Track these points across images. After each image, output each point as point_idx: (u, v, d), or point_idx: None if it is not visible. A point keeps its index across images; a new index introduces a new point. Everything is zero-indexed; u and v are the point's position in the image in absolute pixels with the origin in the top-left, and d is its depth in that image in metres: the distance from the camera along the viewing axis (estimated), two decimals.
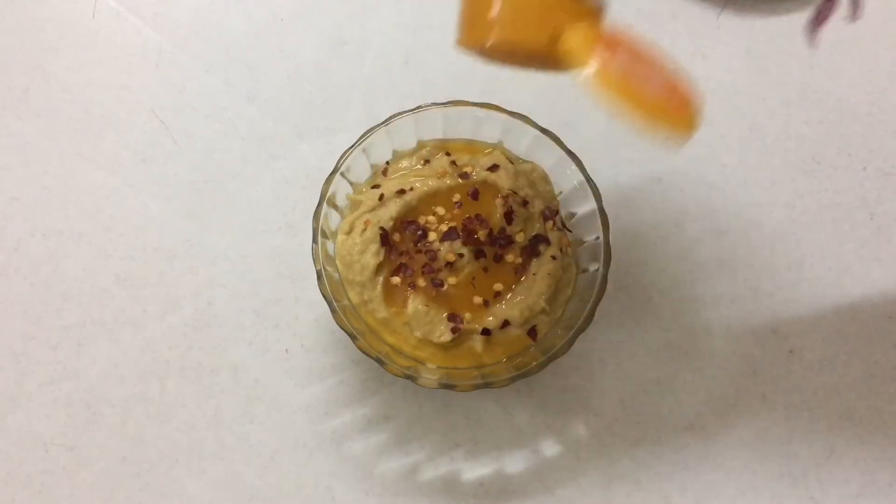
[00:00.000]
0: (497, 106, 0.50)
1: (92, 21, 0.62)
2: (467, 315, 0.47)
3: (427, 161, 0.51)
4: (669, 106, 0.37)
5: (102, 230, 0.56)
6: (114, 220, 0.56)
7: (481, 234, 0.48)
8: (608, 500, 0.50)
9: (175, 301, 0.54)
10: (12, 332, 0.53)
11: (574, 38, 0.37)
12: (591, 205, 0.49)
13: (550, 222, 0.49)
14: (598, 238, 0.48)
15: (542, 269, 0.48)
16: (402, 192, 0.49)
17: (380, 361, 0.45)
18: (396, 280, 0.47)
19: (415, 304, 0.47)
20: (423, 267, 0.47)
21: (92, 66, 0.60)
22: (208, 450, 0.50)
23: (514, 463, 0.51)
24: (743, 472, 0.51)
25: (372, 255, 0.47)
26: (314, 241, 0.47)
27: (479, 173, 0.50)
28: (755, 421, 0.52)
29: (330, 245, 0.49)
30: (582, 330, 0.46)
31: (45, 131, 0.58)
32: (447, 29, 0.63)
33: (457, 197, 0.49)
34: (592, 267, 0.48)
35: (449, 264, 0.47)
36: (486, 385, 0.45)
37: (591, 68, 0.36)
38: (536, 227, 0.49)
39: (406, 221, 0.48)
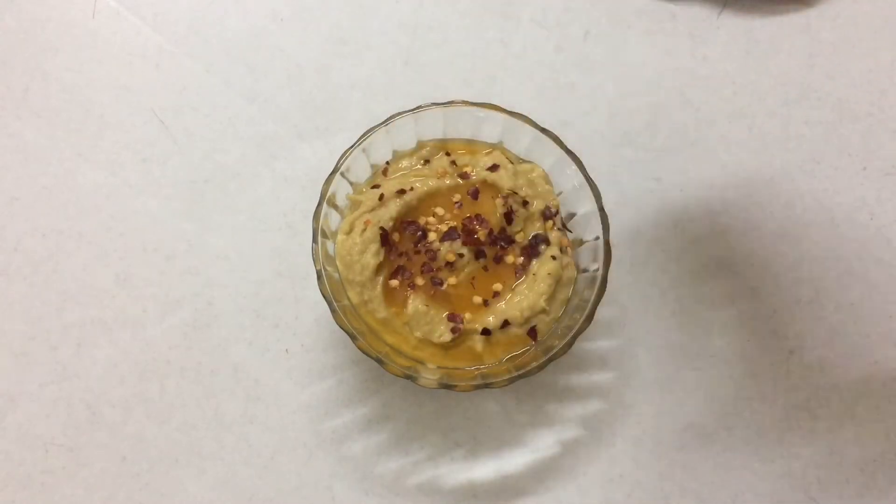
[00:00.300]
0: (497, 106, 0.50)
1: (92, 21, 0.62)
2: (467, 315, 0.47)
3: (427, 161, 0.51)
4: None
5: (102, 230, 0.56)
6: (114, 220, 0.56)
7: (481, 234, 0.48)
8: (608, 500, 0.50)
9: (175, 301, 0.54)
10: (12, 332, 0.53)
11: None
12: (591, 205, 0.49)
13: (550, 222, 0.49)
14: (598, 238, 0.48)
15: (542, 269, 0.48)
16: (402, 192, 0.49)
17: (380, 361, 0.45)
18: (395, 283, 0.47)
19: (415, 304, 0.47)
20: (423, 266, 0.47)
21: (92, 66, 0.60)
22: (208, 450, 0.50)
23: (514, 463, 0.51)
24: (743, 472, 0.51)
25: (372, 255, 0.47)
26: (314, 241, 0.47)
27: (479, 173, 0.50)
28: (755, 421, 0.52)
29: (330, 245, 0.49)
30: (582, 330, 0.46)
31: (45, 131, 0.58)
32: (447, 29, 0.63)
33: (457, 197, 0.49)
34: (592, 267, 0.48)
35: (449, 264, 0.47)
36: (486, 385, 0.45)
37: None
38: (536, 227, 0.49)
39: (406, 221, 0.48)
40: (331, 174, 0.48)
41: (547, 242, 0.48)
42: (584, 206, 0.50)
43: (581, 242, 0.50)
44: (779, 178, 0.58)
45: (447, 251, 0.47)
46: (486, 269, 0.48)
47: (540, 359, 0.45)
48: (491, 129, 0.51)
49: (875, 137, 0.59)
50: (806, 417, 0.52)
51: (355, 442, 0.51)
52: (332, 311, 0.46)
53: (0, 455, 0.50)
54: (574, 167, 0.49)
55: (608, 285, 0.47)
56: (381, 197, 0.49)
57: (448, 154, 0.51)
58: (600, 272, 0.47)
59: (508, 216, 0.48)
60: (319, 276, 0.46)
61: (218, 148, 0.58)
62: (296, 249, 0.55)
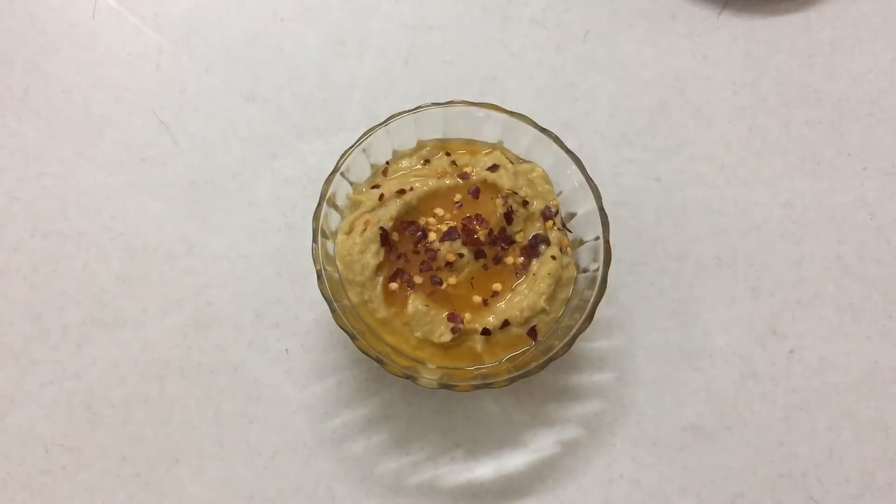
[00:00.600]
0: (497, 106, 0.50)
1: (92, 21, 0.62)
2: (467, 315, 0.47)
3: (427, 161, 0.51)
4: None
5: (102, 230, 0.56)
6: (114, 220, 0.56)
7: (481, 234, 0.48)
8: (608, 500, 0.50)
9: (175, 301, 0.54)
10: (12, 332, 0.53)
11: None
12: (591, 205, 0.49)
13: (550, 222, 0.49)
14: (598, 238, 0.48)
15: (542, 269, 0.48)
16: (402, 192, 0.49)
17: (380, 361, 0.45)
18: (395, 286, 0.47)
19: (415, 304, 0.47)
20: (422, 265, 0.47)
21: (92, 66, 0.60)
22: (208, 450, 0.50)
23: (514, 463, 0.51)
24: (743, 472, 0.51)
25: (372, 255, 0.47)
26: (314, 241, 0.47)
27: (479, 173, 0.50)
28: (755, 421, 0.52)
29: (330, 245, 0.49)
30: (582, 330, 0.46)
31: (45, 131, 0.58)
32: (447, 29, 0.63)
33: (457, 197, 0.49)
34: (592, 267, 0.48)
35: (449, 264, 0.47)
36: (486, 385, 0.45)
37: None
38: (536, 227, 0.49)
39: (406, 221, 0.48)
40: (331, 174, 0.48)
41: (547, 242, 0.48)
42: (584, 206, 0.50)
43: (581, 242, 0.50)
44: (779, 178, 0.58)
45: (447, 251, 0.47)
46: (486, 268, 0.48)
47: (540, 359, 0.45)
48: (491, 129, 0.51)
49: (875, 137, 0.59)
50: (806, 417, 0.52)
51: (355, 442, 0.51)
52: (332, 311, 0.46)
53: (0, 455, 0.50)
54: (574, 167, 0.49)
55: (608, 285, 0.47)
56: (381, 197, 0.49)
57: (448, 154, 0.51)
58: (600, 272, 0.47)
59: (508, 216, 0.48)
60: (319, 276, 0.46)
61: (218, 148, 0.58)
62: (296, 249, 0.55)
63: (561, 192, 0.51)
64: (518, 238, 0.48)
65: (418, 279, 0.47)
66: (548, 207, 0.49)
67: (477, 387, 0.45)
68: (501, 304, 0.48)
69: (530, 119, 0.50)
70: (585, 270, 0.49)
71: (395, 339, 0.47)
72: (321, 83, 0.60)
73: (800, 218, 0.57)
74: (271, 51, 0.61)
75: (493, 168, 0.50)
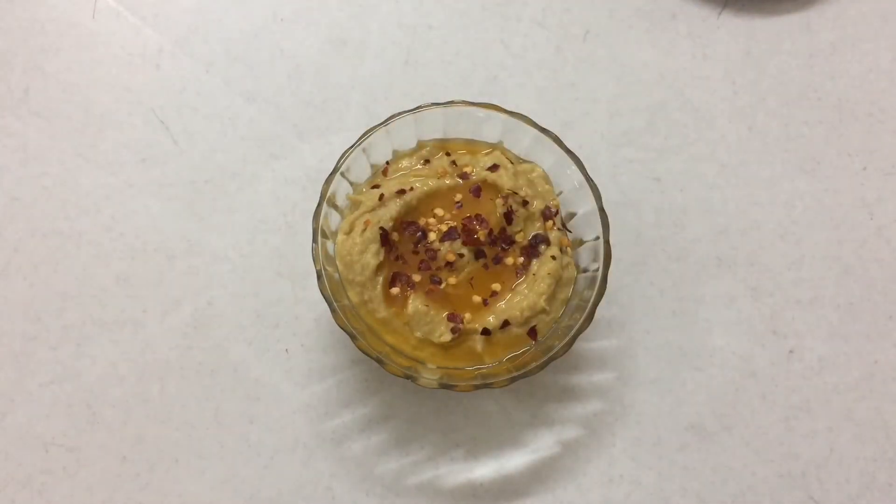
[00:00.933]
0: (497, 106, 0.50)
1: (92, 21, 0.62)
2: (467, 315, 0.47)
3: (427, 161, 0.51)
4: None
5: (102, 230, 0.56)
6: (114, 220, 0.56)
7: (481, 234, 0.48)
8: (608, 500, 0.50)
9: (175, 301, 0.54)
10: (12, 332, 0.53)
11: None
12: (591, 205, 0.49)
13: (550, 222, 0.49)
14: (598, 238, 0.48)
15: (542, 268, 0.48)
16: (402, 192, 0.49)
17: (380, 361, 0.45)
18: (396, 291, 0.47)
19: (415, 304, 0.47)
20: (420, 263, 0.47)
21: (92, 66, 0.60)
22: (208, 450, 0.50)
23: (514, 463, 0.51)
24: (743, 472, 0.51)
25: (372, 255, 0.47)
26: (314, 241, 0.47)
27: (479, 173, 0.50)
28: (755, 421, 0.52)
29: (330, 245, 0.49)
30: (582, 330, 0.46)
31: (45, 131, 0.58)
32: (447, 29, 0.63)
33: (457, 197, 0.49)
34: (592, 267, 0.48)
35: (449, 264, 0.47)
36: (486, 385, 0.45)
37: None
38: (536, 227, 0.49)
39: (406, 221, 0.48)
40: (331, 174, 0.48)
41: (547, 242, 0.48)
42: (584, 206, 0.50)
43: (581, 242, 0.50)
44: (779, 178, 0.58)
45: (447, 251, 0.47)
46: (486, 268, 0.48)
47: (540, 359, 0.45)
48: (491, 129, 0.51)
49: (875, 137, 0.59)
50: (806, 417, 0.52)
51: (355, 442, 0.51)
52: (332, 311, 0.46)
53: (0, 455, 0.50)
54: (574, 167, 0.50)
55: (608, 285, 0.47)
56: (381, 197, 0.49)
57: (448, 154, 0.51)
58: (600, 272, 0.47)
59: (508, 216, 0.48)
60: (319, 276, 0.46)
61: (218, 148, 0.58)
62: (296, 249, 0.55)
63: (561, 192, 0.51)
64: (518, 238, 0.48)
65: (418, 279, 0.47)
66: (548, 207, 0.49)
67: (477, 387, 0.45)
68: (501, 304, 0.48)
69: (530, 119, 0.50)
70: (585, 270, 0.49)
71: (395, 339, 0.47)
72: (321, 83, 0.60)
73: (800, 218, 0.57)
74: (271, 51, 0.61)
75: (493, 168, 0.50)
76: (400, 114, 0.50)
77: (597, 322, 0.48)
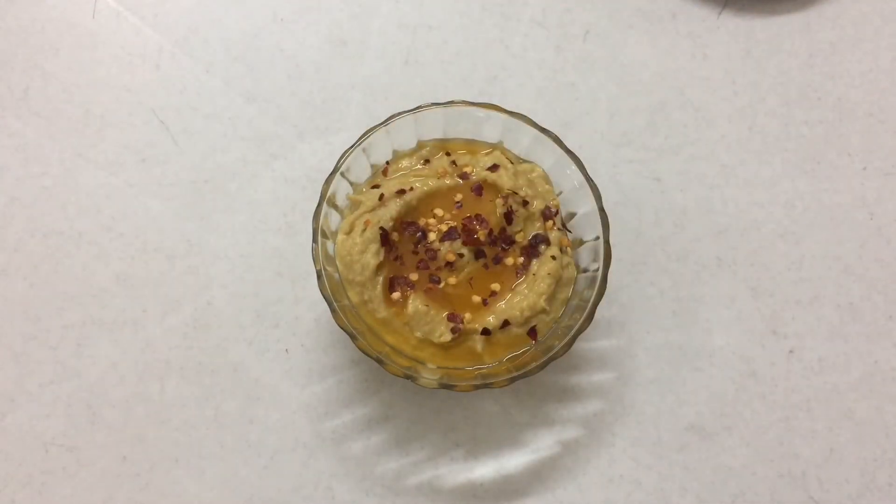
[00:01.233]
0: (497, 106, 0.50)
1: (92, 21, 0.62)
2: (467, 315, 0.47)
3: (427, 161, 0.51)
4: None
5: (102, 230, 0.56)
6: (114, 220, 0.56)
7: (481, 234, 0.48)
8: (608, 500, 0.50)
9: (175, 301, 0.54)
10: (12, 332, 0.53)
11: None
12: (591, 205, 0.49)
13: (550, 222, 0.49)
14: (598, 238, 0.48)
15: (542, 268, 0.48)
16: (402, 192, 0.49)
17: (380, 361, 0.45)
18: (396, 296, 0.47)
19: (415, 304, 0.47)
20: (420, 263, 0.47)
21: (92, 66, 0.60)
22: (208, 450, 0.50)
23: (514, 463, 0.51)
24: (743, 472, 0.51)
25: (372, 255, 0.47)
26: (314, 241, 0.47)
27: (479, 173, 0.50)
28: (755, 421, 0.52)
29: (330, 245, 0.49)
30: (582, 330, 0.46)
31: (45, 131, 0.58)
32: (447, 29, 0.63)
33: (457, 197, 0.49)
34: (592, 267, 0.48)
35: (449, 264, 0.47)
36: (486, 385, 0.45)
37: None
38: (536, 227, 0.49)
39: (406, 221, 0.48)
40: (331, 174, 0.48)
41: (547, 242, 0.48)
42: (584, 206, 0.50)
43: (581, 242, 0.50)
44: (779, 178, 0.58)
45: (447, 251, 0.47)
46: (486, 268, 0.48)
47: (540, 359, 0.45)
48: (491, 129, 0.51)
49: (875, 137, 0.59)
50: (806, 417, 0.52)
51: (355, 442, 0.51)
52: (332, 311, 0.46)
53: (0, 455, 0.50)
54: (574, 167, 0.50)
55: (608, 285, 0.47)
56: (381, 197, 0.49)
57: (448, 154, 0.51)
58: (600, 272, 0.47)
59: (508, 216, 0.48)
60: (319, 276, 0.46)
61: (218, 148, 0.58)
62: (296, 249, 0.55)
63: (561, 192, 0.51)
64: (518, 238, 0.48)
65: (420, 280, 0.47)
66: (548, 207, 0.49)
67: (477, 387, 0.45)
68: (501, 304, 0.48)
69: (530, 119, 0.50)
70: (585, 270, 0.49)
71: (395, 339, 0.47)
72: (321, 83, 0.60)
73: (800, 218, 0.57)
74: (271, 51, 0.61)
75: (493, 168, 0.50)
76: (400, 114, 0.50)
77: (597, 322, 0.48)
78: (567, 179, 0.50)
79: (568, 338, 0.46)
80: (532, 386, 0.52)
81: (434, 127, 0.51)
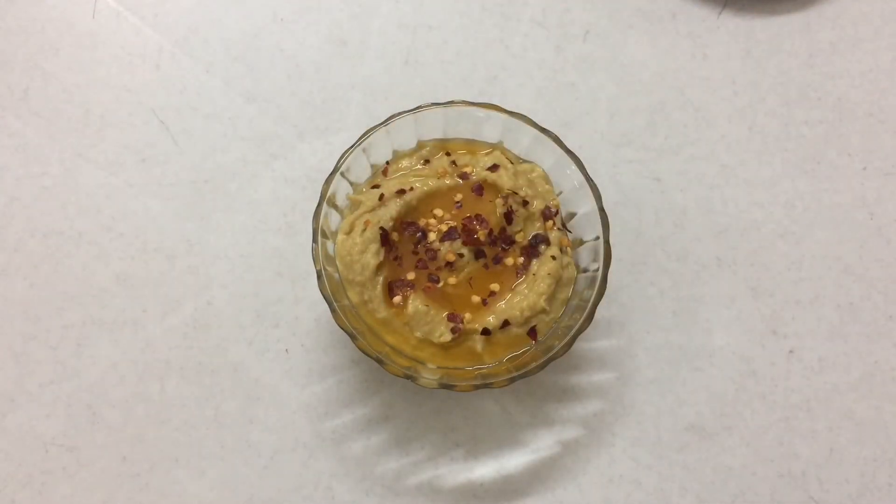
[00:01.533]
0: (497, 106, 0.50)
1: (92, 21, 0.62)
2: (467, 315, 0.47)
3: (427, 161, 0.51)
4: None
5: (102, 230, 0.56)
6: (114, 220, 0.56)
7: (481, 234, 0.48)
8: (608, 500, 0.50)
9: (175, 301, 0.54)
10: (12, 332, 0.53)
11: None
12: (591, 205, 0.49)
13: (550, 222, 0.49)
14: (598, 238, 0.48)
15: (542, 268, 0.48)
16: (402, 192, 0.49)
17: (380, 361, 0.45)
18: (398, 299, 0.47)
19: (415, 304, 0.47)
20: (419, 262, 0.47)
21: (92, 66, 0.60)
22: (208, 450, 0.50)
23: (514, 463, 0.51)
24: (743, 472, 0.51)
25: (372, 255, 0.47)
26: (314, 241, 0.47)
27: (478, 173, 0.50)
28: (755, 421, 0.52)
29: (330, 245, 0.49)
30: (582, 330, 0.46)
31: (45, 131, 0.58)
32: (447, 29, 0.63)
33: (457, 197, 0.49)
34: (592, 267, 0.48)
35: (449, 264, 0.47)
36: (486, 385, 0.45)
37: None
38: (536, 227, 0.49)
39: (406, 221, 0.48)
40: (331, 174, 0.48)
41: (547, 242, 0.48)
42: (584, 206, 0.50)
43: (581, 242, 0.50)
44: (779, 178, 0.58)
45: (447, 251, 0.47)
46: (486, 268, 0.48)
47: (540, 359, 0.45)
48: (491, 129, 0.51)
49: (875, 137, 0.59)
50: (806, 417, 0.52)
51: (355, 442, 0.51)
52: (332, 311, 0.46)
53: (0, 455, 0.50)
54: (574, 167, 0.50)
55: (608, 285, 0.47)
56: (381, 197, 0.49)
57: (448, 154, 0.51)
58: (600, 272, 0.47)
59: (508, 216, 0.48)
60: (319, 276, 0.46)
61: (218, 148, 0.58)
62: (296, 249, 0.55)
63: (561, 192, 0.51)
64: (518, 238, 0.48)
65: (420, 280, 0.47)
66: (548, 207, 0.49)
67: (477, 387, 0.45)
68: (501, 304, 0.48)
69: (530, 119, 0.50)
70: (585, 270, 0.49)
71: (395, 339, 0.47)
72: (321, 83, 0.60)
73: (800, 218, 0.57)
74: (271, 51, 0.61)
75: (493, 168, 0.50)
76: (400, 114, 0.50)
77: (597, 322, 0.48)
78: (567, 179, 0.50)
79: (568, 338, 0.46)
80: (532, 386, 0.52)
81: (434, 127, 0.51)
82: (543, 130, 0.50)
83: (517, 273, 0.48)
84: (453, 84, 0.60)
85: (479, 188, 0.49)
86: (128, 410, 0.51)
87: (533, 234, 0.49)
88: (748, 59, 0.62)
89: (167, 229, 0.56)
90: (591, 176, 0.49)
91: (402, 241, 0.48)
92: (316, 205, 0.48)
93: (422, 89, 0.60)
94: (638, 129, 0.59)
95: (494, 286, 0.48)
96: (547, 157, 0.51)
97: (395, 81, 0.61)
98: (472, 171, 0.50)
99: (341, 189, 0.49)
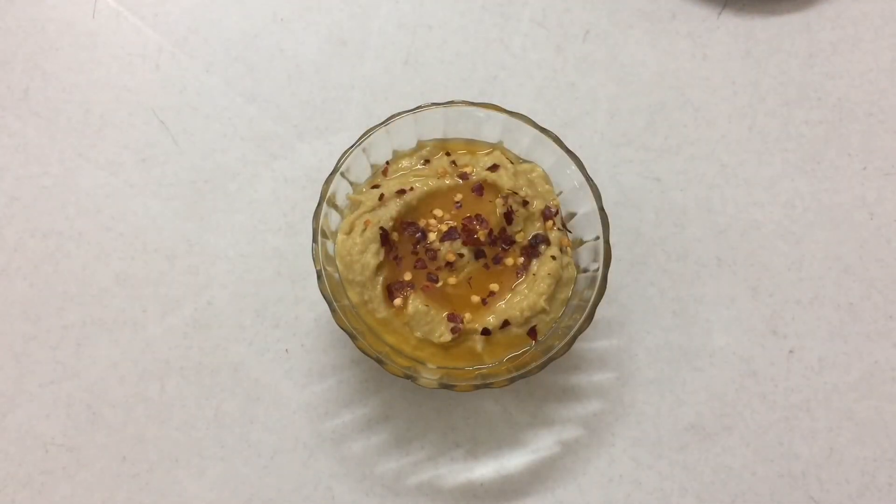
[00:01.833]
0: (497, 106, 0.50)
1: (92, 21, 0.62)
2: (467, 315, 0.47)
3: (427, 161, 0.51)
4: None
5: (102, 230, 0.56)
6: (114, 220, 0.56)
7: (481, 234, 0.48)
8: (608, 500, 0.50)
9: (175, 301, 0.54)
10: (12, 332, 0.53)
11: None
12: (591, 205, 0.49)
13: (550, 222, 0.49)
14: (598, 238, 0.48)
15: (542, 268, 0.48)
16: (402, 192, 0.49)
17: (380, 361, 0.45)
18: (399, 302, 0.47)
19: (415, 304, 0.47)
20: (418, 262, 0.47)
21: (92, 66, 0.60)
22: (208, 450, 0.50)
23: (514, 463, 0.51)
24: (743, 472, 0.51)
25: (372, 255, 0.47)
26: (314, 241, 0.47)
27: (478, 173, 0.50)
28: (755, 421, 0.52)
29: (330, 245, 0.49)
30: (582, 330, 0.46)
31: (45, 131, 0.58)
32: (447, 29, 0.63)
33: (457, 197, 0.49)
34: (592, 267, 0.48)
35: (449, 264, 0.47)
36: (486, 385, 0.45)
37: None
38: (536, 227, 0.49)
39: (406, 221, 0.48)
40: (331, 174, 0.48)
41: (547, 242, 0.48)
42: (584, 206, 0.50)
43: (581, 242, 0.50)
44: (779, 178, 0.58)
45: (447, 251, 0.47)
46: (486, 268, 0.48)
47: (540, 359, 0.45)
48: (491, 129, 0.51)
49: (875, 137, 0.59)
50: (806, 417, 0.52)
51: (355, 442, 0.51)
52: (332, 311, 0.46)
53: (0, 455, 0.50)
54: (574, 167, 0.50)
55: (608, 285, 0.47)
56: (381, 197, 0.49)
57: (448, 154, 0.51)
58: (600, 272, 0.47)
59: (508, 216, 0.48)
60: (319, 276, 0.46)
61: (218, 148, 0.58)
62: (296, 249, 0.55)
63: (561, 192, 0.51)
64: (518, 238, 0.48)
65: (420, 280, 0.47)
66: (548, 207, 0.49)
67: (477, 387, 0.45)
68: (501, 304, 0.48)
69: (530, 119, 0.50)
70: (585, 270, 0.49)
71: (395, 339, 0.47)
72: (321, 83, 0.60)
73: (800, 218, 0.57)
74: (271, 51, 0.61)
75: (493, 168, 0.50)
76: (400, 114, 0.50)
77: (597, 322, 0.48)
78: (567, 179, 0.50)
79: (568, 338, 0.46)
80: (532, 386, 0.52)
81: (434, 127, 0.51)
82: (543, 130, 0.50)
83: (517, 273, 0.48)
84: (453, 84, 0.60)
85: (479, 188, 0.49)
86: (128, 410, 0.51)
87: (533, 234, 0.49)
88: (748, 59, 0.62)
89: (167, 229, 0.56)
90: (591, 176, 0.49)
91: (402, 241, 0.48)
92: (316, 205, 0.48)
93: (422, 89, 0.60)
94: (638, 129, 0.59)
95: (494, 286, 0.48)
96: (547, 157, 0.51)
97: (395, 81, 0.61)
98: (472, 171, 0.50)
99: (341, 189, 0.49)
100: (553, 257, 0.48)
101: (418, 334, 0.47)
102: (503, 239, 0.48)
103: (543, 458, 0.51)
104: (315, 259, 0.47)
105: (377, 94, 0.60)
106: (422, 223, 0.48)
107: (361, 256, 0.47)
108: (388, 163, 0.51)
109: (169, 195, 0.57)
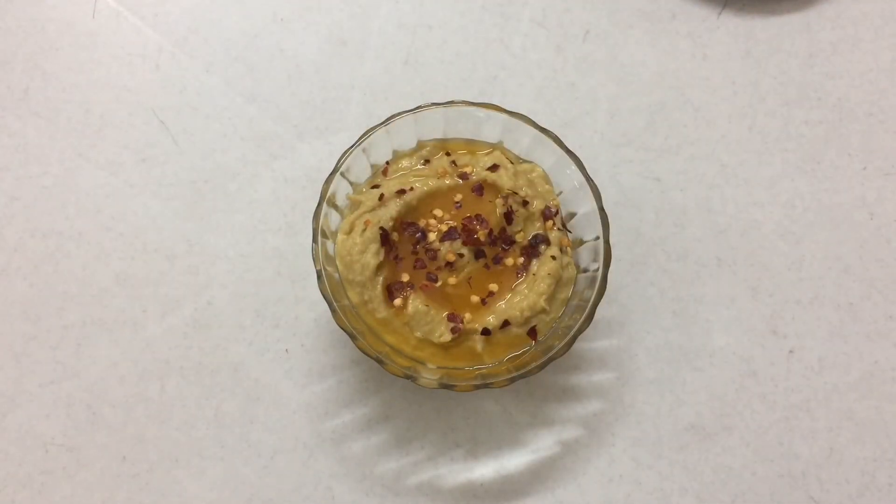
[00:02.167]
0: (497, 106, 0.50)
1: (92, 21, 0.62)
2: (467, 315, 0.47)
3: (427, 161, 0.51)
4: None
5: (102, 230, 0.56)
6: (114, 220, 0.56)
7: (481, 234, 0.48)
8: (608, 500, 0.50)
9: (175, 301, 0.54)
10: (12, 332, 0.53)
11: None
12: (591, 205, 0.49)
13: (550, 222, 0.49)
14: (598, 238, 0.48)
15: (542, 268, 0.48)
16: (402, 192, 0.49)
17: (380, 361, 0.45)
18: (399, 302, 0.47)
19: (415, 304, 0.47)
20: (417, 262, 0.47)
21: (92, 66, 0.60)
22: (208, 450, 0.50)
23: (514, 463, 0.51)
24: (743, 472, 0.51)
25: (372, 255, 0.47)
26: (314, 241, 0.47)
27: (478, 173, 0.50)
28: (755, 421, 0.52)
29: (330, 245, 0.49)
30: (582, 330, 0.46)
31: (45, 131, 0.58)
32: (447, 29, 0.63)
33: (457, 197, 0.49)
34: (592, 267, 0.48)
35: (449, 264, 0.47)
36: (486, 385, 0.45)
37: None
38: (536, 227, 0.49)
39: (406, 222, 0.48)
40: (331, 174, 0.48)
41: (547, 242, 0.48)
42: (584, 206, 0.50)
43: (581, 242, 0.50)
44: (779, 178, 0.58)
45: (447, 251, 0.47)
46: (486, 268, 0.48)
47: (540, 359, 0.45)
48: (491, 129, 0.51)
49: (875, 137, 0.59)
50: (806, 417, 0.52)
51: (355, 442, 0.51)
52: (332, 311, 0.46)
53: (0, 455, 0.50)
54: (574, 167, 0.50)
55: (608, 285, 0.47)
56: (381, 197, 0.49)
57: (448, 154, 0.51)
58: (600, 272, 0.47)
59: (508, 216, 0.48)
60: (319, 276, 0.46)
61: (218, 148, 0.58)
62: (296, 249, 0.55)
63: (561, 192, 0.51)
64: (518, 238, 0.48)
65: (420, 280, 0.47)
66: (548, 207, 0.49)
67: (477, 387, 0.45)
68: (501, 304, 0.48)
69: (530, 119, 0.50)
70: (585, 270, 0.49)
71: (395, 339, 0.47)
72: (321, 83, 0.60)
73: (800, 218, 0.57)
74: (271, 51, 0.61)
75: (493, 168, 0.50)
76: (400, 114, 0.50)
77: (597, 322, 0.48)
78: (567, 179, 0.50)
79: (568, 338, 0.46)
80: (532, 386, 0.52)
81: (434, 127, 0.51)
82: (543, 130, 0.50)
83: (517, 273, 0.48)
84: (453, 84, 0.60)
85: (479, 188, 0.49)
86: (128, 410, 0.51)
87: (533, 234, 0.49)
88: (748, 59, 0.62)
89: (167, 229, 0.56)
90: (591, 176, 0.49)
91: (402, 241, 0.48)
92: (316, 205, 0.48)
93: (422, 89, 0.60)
94: (638, 129, 0.59)
95: (494, 286, 0.48)
96: (547, 157, 0.51)
97: (395, 81, 0.61)
98: (472, 171, 0.50)
99: (341, 189, 0.49)
100: (553, 257, 0.48)
101: (418, 334, 0.47)
102: (503, 239, 0.48)
103: (543, 458, 0.51)
104: (315, 259, 0.47)
105: (377, 94, 0.60)
106: (422, 223, 0.48)
107: (361, 256, 0.47)
108: (388, 163, 0.51)
109: (169, 195, 0.57)
